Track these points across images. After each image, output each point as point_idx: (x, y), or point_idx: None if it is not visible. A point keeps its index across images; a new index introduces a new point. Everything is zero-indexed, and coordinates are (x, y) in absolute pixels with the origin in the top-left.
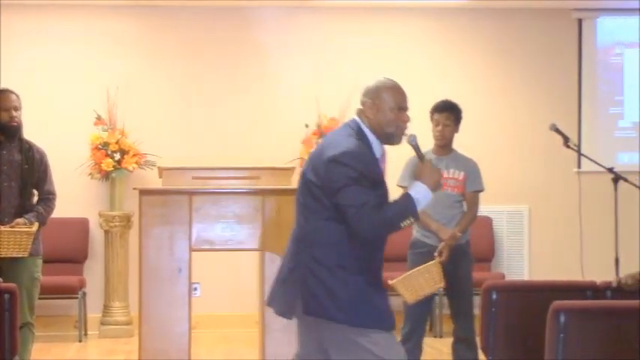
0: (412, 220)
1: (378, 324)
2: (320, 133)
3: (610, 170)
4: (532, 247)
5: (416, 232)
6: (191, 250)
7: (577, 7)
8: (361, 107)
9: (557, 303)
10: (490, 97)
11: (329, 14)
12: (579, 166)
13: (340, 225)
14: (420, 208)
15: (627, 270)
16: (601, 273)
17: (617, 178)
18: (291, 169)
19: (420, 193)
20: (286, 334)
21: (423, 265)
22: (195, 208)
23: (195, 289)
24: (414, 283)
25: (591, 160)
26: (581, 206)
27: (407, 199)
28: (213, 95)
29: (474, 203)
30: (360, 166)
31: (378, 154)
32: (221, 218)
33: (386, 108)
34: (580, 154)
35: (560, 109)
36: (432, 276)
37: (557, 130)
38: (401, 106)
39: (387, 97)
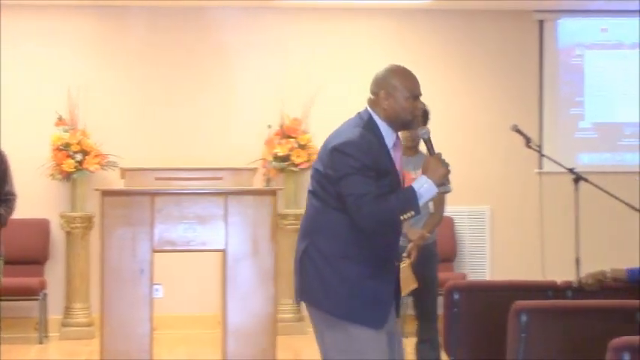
0: (413, 213)
1: (360, 319)
2: (282, 133)
3: (571, 171)
4: (493, 247)
5: None
6: (153, 251)
7: (538, 8)
8: (372, 97)
9: (518, 303)
10: (452, 98)
11: (291, 15)
12: (540, 167)
13: (344, 215)
14: (422, 202)
15: (588, 270)
16: (562, 273)
17: (577, 179)
18: (253, 170)
19: (424, 187)
20: (248, 334)
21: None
22: (158, 209)
23: (157, 290)
24: None
25: (552, 160)
26: (543, 206)
27: (409, 193)
28: (175, 96)
29: (440, 203)
30: (363, 156)
31: (390, 144)
32: (183, 219)
33: (400, 97)
34: (541, 155)
35: (522, 109)
36: (405, 278)
37: (519, 131)
38: (414, 93)
39: (401, 86)
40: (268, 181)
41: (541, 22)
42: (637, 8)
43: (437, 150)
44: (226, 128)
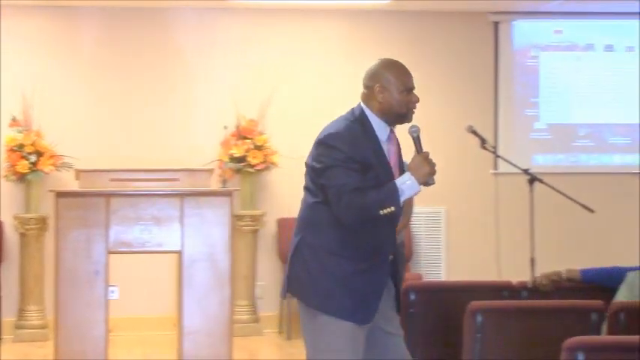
0: (393, 209)
1: (343, 314)
2: (238, 134)
3: (525, 172)
4: (449, 248)
5: None
6: (108, 252)
7: (493, 10)
8: (366, 91)
9: (474, 303)
10: None
11: (247, 16)
12: (496, 168)
13: (331, 207)
14: (403, 198)
15: (543, 270)
16: (517, 273)
17: (532, 180)
18: (209, 171)
19: (407, 183)
20: (204, 336)
21: None
22: (113, 210)
23: (113, 291)
24: None
25: (507, 161)
26: (498, 207)
27: (391, 188)
28: (130, 97)
29: (409, 204)
30: (347, 148)
31: (383, 137)
32: (139, 220)
33: (395, 90)
34: (496, 156)
35: (477, 111)
36: None
37: (474, 132)
38: (408, 86)
39: (394, 80)
40: (224, 182)
41: (496, 24)
42: (591, 10)
43: (425, 149)
44: (182, 129)
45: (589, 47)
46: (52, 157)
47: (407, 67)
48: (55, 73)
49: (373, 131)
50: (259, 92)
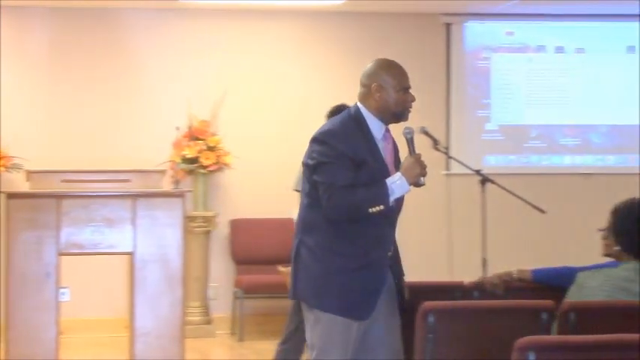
0: (382, 207)
1: (342, 312)
2: (191, 135)
3: (477, 172)
4: (401, 249)
5: None
6: (59, 254)
7: (445, 11)
8: (363, 90)
9: (426, 304)
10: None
11: (198, 16)
12: (448, 169)
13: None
14: (393, 197)
15: (494, 270)
16: (469, 273)
17: (484, 180)
18: (161, 172)
19: (396, 183)
20: (156, 337)
21: None
22: (64, 211)
23: (64, 293)
24: None
25: (459, 162)
26: (450, 208)
27: (380, 187)
28: (82, 97)
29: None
30: (340, 144)
31: (379, 136)
32: (91, 222)
33: (391, 90)
34: (449, 157)
35: (429, 112)
36: None
37: (427, 133)
38: (405, 86)
39: (391, 79)
40: (177, 183)
41: (448, 25)
42: (542, 12)
43: (418, 150)
44: (134, 130)
45: (540, 49)
46: (2, 158)
47: (360, 68)
48: (6, 74)
49: (369, 129)
50: (212, 93)
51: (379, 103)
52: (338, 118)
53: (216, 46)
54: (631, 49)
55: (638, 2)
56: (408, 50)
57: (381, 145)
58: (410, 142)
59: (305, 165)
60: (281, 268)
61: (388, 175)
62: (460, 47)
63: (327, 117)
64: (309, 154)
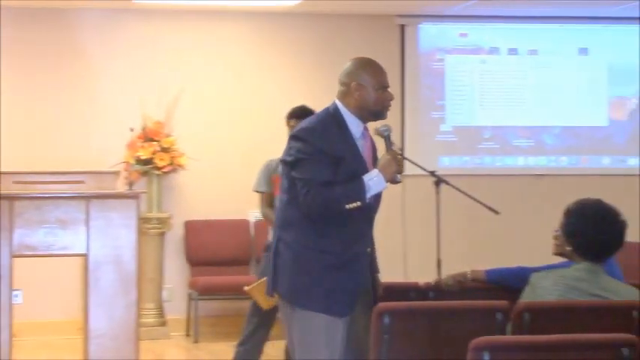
0: (359, 204)
1: (320, 308)
2: (145, 136)
3: (432, 173)
4: None
5: (271, 238)
6: (12, 256)
7: (400, 13)
8: (343, 89)
9: (381, 305)
10: (315, 100)
11: (153, 17)
12: (402, 170)
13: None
14: (370, 194)
15: (449, 271)
16: (424, 274)
17: (438, 181)
18: (115, 173)
19: (374, 179)
20: (110, 339)
21: None
22: (17, 213)
23: (17, 296)
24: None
25: (414, 163)
26: (405, 209)
27: (357, 183)
28: (35, 98)
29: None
30: (318, 140)
31: (358, 134)
32: (44, 223)
33: (370, 88)
34: (403, 158)
35: None
36: None
37: (381, 134)
38: (383, 84)
39: (370, 78)
40: (131, 184)
41: (402, 27)
42: (495, 14)
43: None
44: (88, 131)
45: (493, 50)
46: None
47: (316, 69)
48: None
49: (347, 127)
50: (166, 94)
51: (358, 102)
52: (317, 115)
53: (170, 46)
54: (583, 50)
55: (589, 5)
56: (362, 52)
57: (359, 143)
58: (387, 140)
59: (283, 162)
60: (246, 288)
61: (366, 172)
62: (414, 49)
63: (287, 119)
64: (288, 151)
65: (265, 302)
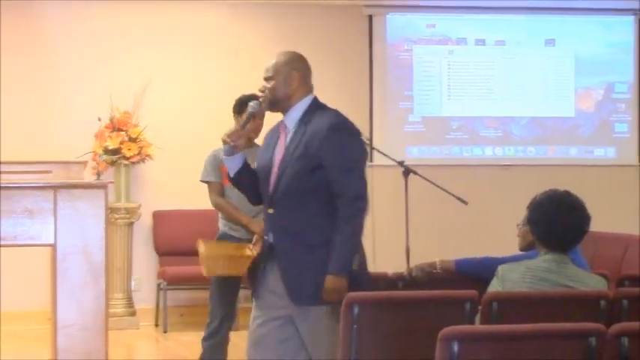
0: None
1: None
2: (113, 126)
3: (400, 164)
4: None
5: (223, 226)
6: None
7: (367, 3)
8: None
9: (350, 295)
10: None
11: (121, 6)
12: (371, 160)
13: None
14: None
15: (418, 261)
16: (393, 264)
17: (407, 172)
18: (83, 163)
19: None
20: (79, 330)
21: (239, 248)
22: None
23: None
24: (219, 256)
25: (382, 153)
26: (373, 199)
27: None
28: (1, 88)
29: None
30: None
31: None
32: (11, 213)
33: None
34: (372, 148)
35: (352, 103)
36: (237, 262)
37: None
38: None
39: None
40: (99, 174)
41: (370, 17)
42: (463, 5)
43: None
44: (55, 121)
45: (461, 41)
46: None
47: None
48: None
49: None
50: (134, 84)
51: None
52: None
53: (137, 35)
54: (550, 42)
55: None
56: (330, 41)
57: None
58: (249, 116)
59: (336, 156)
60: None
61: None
62: (382, 39)
63: (234, 108)
64: (349, 146)
65: (207, 268)
